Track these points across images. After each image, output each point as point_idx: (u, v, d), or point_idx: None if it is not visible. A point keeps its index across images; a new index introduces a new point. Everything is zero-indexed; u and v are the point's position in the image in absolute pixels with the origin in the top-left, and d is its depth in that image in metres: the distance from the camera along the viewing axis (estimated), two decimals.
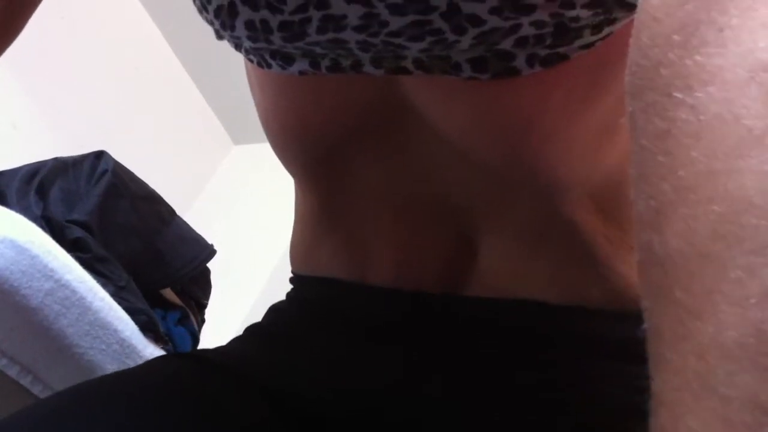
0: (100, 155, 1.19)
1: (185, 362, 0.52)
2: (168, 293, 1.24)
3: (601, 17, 0.37)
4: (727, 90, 0.19)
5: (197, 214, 2.29)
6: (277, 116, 0.48)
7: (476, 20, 0.36)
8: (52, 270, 0.89)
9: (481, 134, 0.42)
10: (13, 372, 0.92)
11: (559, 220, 0.45)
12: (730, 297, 0.18)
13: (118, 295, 1.02)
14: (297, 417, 0.49)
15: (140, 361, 0.98)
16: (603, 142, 0.43)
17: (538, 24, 0.36)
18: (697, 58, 0.20)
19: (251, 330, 0.57)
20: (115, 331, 0.96)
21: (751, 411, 0.17)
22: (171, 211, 1.27)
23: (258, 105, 0.50)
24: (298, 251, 0.56)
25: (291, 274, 0.57)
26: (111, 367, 0.95)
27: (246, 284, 2.08)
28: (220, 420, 0.46)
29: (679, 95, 0.20)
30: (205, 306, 1.35)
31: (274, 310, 0.57)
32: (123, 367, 0.97)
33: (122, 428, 0.44)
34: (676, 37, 0.21)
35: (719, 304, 0.18)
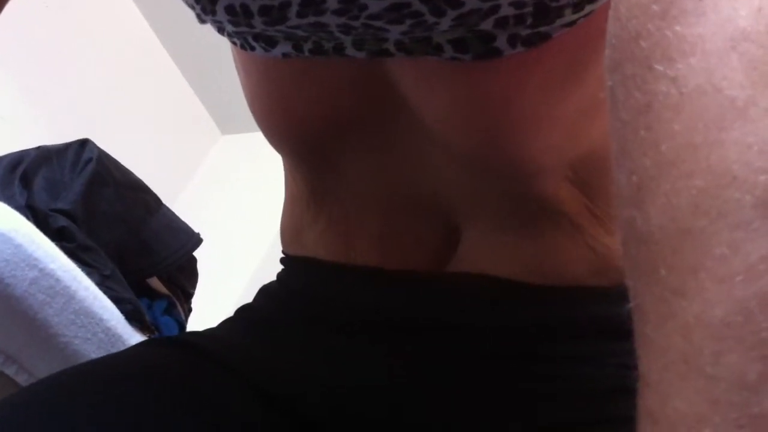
0: (84, 143, 1.18)
1: (170, 349, 0.51)
2: (154, 282, 1.24)
3: None
4: (707, 60, 0.19)
5: (184, 203, 2.28)
6: (263, 99, 0.47)
7: (455, 2, 0.36)
8: (36, 259, 0.89)
9: (462, 115, 0.42)
10: None
11: (543, 200, 0.45)
12: (714, 274, 0.18)
13: (103, 284, 1.02)
14: (283, 409, 0.48)
15: None
16: (586, 121, 0.43)
17: (517, 4, 0.36)
18: (677, 28, 0.20)
19: (241, 313, 0.56)
20: (101, 320, 0.96)
21: (738, 391, 0.17)
22: (157, 200, 1.26)
23: (244, 88, 0.49)
24: (288, 232, 0.56)
25: (282, 255, 0.57)
26: (96, 356, 0.95)
27: (233, 273, 2.08)
28: (203, 409, 0.46)
29: (659, 67, 0.20)
30: (191, 295, 1.35)
31: (264, 292, 0.57)
32: None
33: (103, 416, 0.43)
34: (654, 8, 0.20)
35: (704, 282, 0.18)
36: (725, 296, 0.18)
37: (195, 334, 0.54)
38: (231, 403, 0.47)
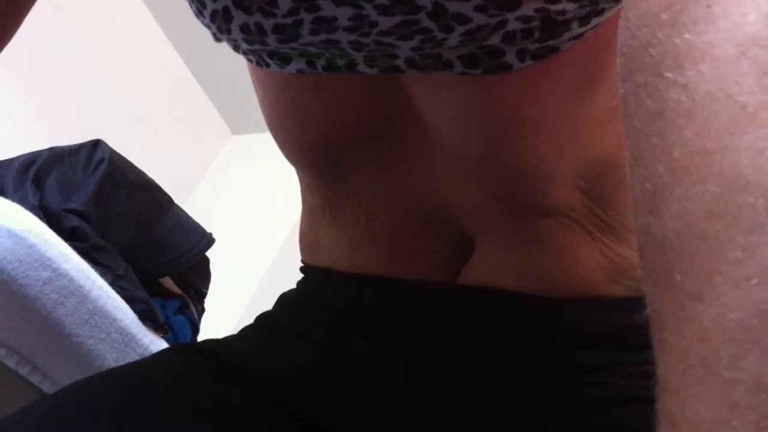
0: (96, 144, 1.19)
1: (191, 356, 0.51)
2: (167, 282, 1.24)
3: (588, 9, 0.37)
4: (717, 67, 0.19)
5: (196, 204, 2.29)
6: (279, 114, 0.48)
7: (462, 18, 0.36)
8: (49, 259, 0.89)
9: (472, 127, 0.42)
10: (12, 362, 0.92)
11: (554, 210, 0.45)
12: (730, 278, 0.18)
13: (116, 284, 1.02)
14: (302, 417, 0.49)
15: (140, 350, 0.98)
16: (596, 130, 0.43)
17: (524, 19, 0.36)
18: (686, 36, 0.20)
19: (261, 320, 0.57)
20: (114, 319, 0.96)
21: (757, 394, 0.17)
22: (169, 200, 1.27)
23: (260, 103, 0.51)
24: (305, 240, 0.57)
25: (300, 263, 0.58)
26: (110, 356, 0.95)
27: (245, 273, 2.08)
28: (222, 417, 0.46)
29: (670, 75, 0.20)
30: (204, 295, 1.35)
31: (284, 300, 0.57)
32: (122, 355, 0.96)
33: (125, 424, 0.43)
34: (664, 16, 0.21)
35: (720, 286, 0.18)
36: (741, 300, 0.18)
37: (215, 341, 0.54)
38: (250, 410, 0.47)
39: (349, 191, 0.49)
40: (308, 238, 0.56)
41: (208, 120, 2.61)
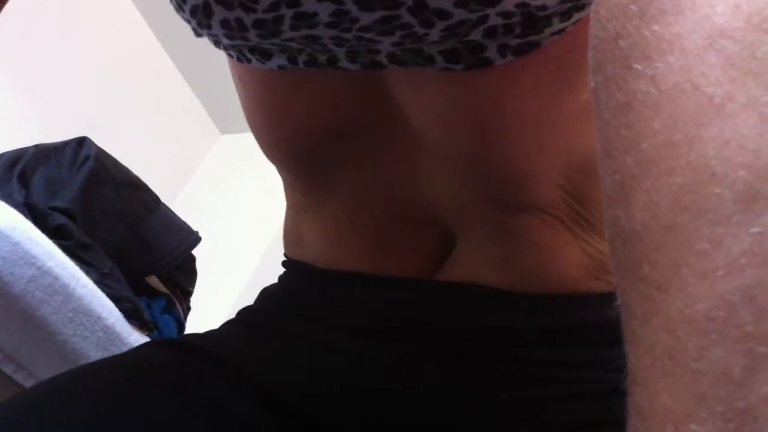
0: (81, 141, 1.18)
1: (172, 351, 0.51)
2: (153, 281, 1.24)
3: (569, 4, 0.37)
4: (685, 58, 0.19)
5: (183, 203, 2.28)
6: (260, 110, 0.48)
7: (443, 13, 0.36)
8: (34, 257, 0.89)
9: (454, 122, 0.42)
10: None
11: (536, 207, 0.45)
12: (696, 270, 0.18)
13: (101, 282, 1.01)
14: (284, 410, 0.49)
15: (125, 348, 0.98)
16: (578, 126, 0.43)
17: (505, 14, 0.36)
18: (655, 27, 0.20)
19: (243, 315, 0.57)
20: (99, 318, 0.95)
21: (724, 385, 0.17)
22: (156, 198, 1.26)
23: (241, 99, 0.50)
24: (288, 236, 0.57)
25: (283, 257, 0.58)
26: (95, 354, 0.95)
27: (232, 272, 2.08)
28: (203, 411, 0.46)
29: (638, 66, 0.20)
30: (190, 294, 1.34)
31: (266, 295, 0.57)
32: (107, 354, 0.96)
33: (105, 419, 0.43)
34: (633, 8, 0.21)
35: (686, 278, 0.18)
36: (708, 291, 0.18)
37: (196, 336, 0.54)
38: (232, 404, 0.47)
39: (330, 188, 0.49)
40: (291, 234, 0.56)
41: (196, 119, 2.60)
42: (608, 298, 0.46)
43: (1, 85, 2.02)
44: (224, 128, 2.65)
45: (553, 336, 0.47)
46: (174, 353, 0.51)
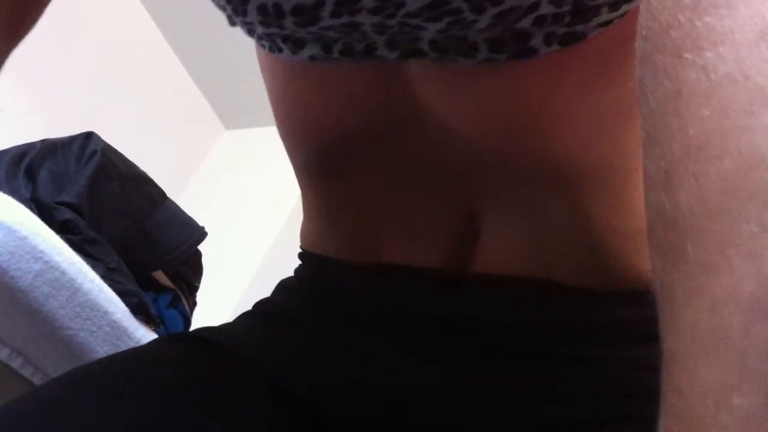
0: (89, 136, 1.18)
1: (187, 345, 0.51)
2: (159, 276, 1.24)
3: None
4: (737, 50, 0.19)
5: (188, 198, 2.28)
6: (285, 103, 0.48)
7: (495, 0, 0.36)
8: (41, 251, 0.89)
9: (493, 120, 0.41)
10: (3, 355, 0.91)
11: (566, 205, 0.44)
12: (743, 251, 0.18)
13: (108, 277, 1.01)
14: (298, 404, 0.48)
15: (131, 343, 0.98)
16: (617, 127, 0.43)
17: (557, 2, 0.36)
18: (707, 19, 0.20)
19: (259, 307, 0.56)
20: (106, 313, 0.96)
21: (767, 359, 0.17)
22: (162, 193, 1.26)
23: (268, 91, 0.50)
24: (307, 231, 0.56)
25: (296, 254, 0.57)
26: (102, 349, 0.95)
27: (238, 268, 2.08)
28: (218, 405, 0.46)
29: (689, 56, 0.20)
30: (196, 289, 1.35)
31: (282, 287, 0.57)
32: (114, 348, 0.96)
33: (119, 414, 0.43)
34: (686, 0, 0.21)
35: (732, 258, 0.18)
36: (754, 271, 0.18)
37: (211, 329, 0.54)
38: (247, 398, 0.47)
39: (350, 184, 0.49)
40: (310, 228, 0.55)
41: (201, 114, 2.60)
42: (629, 299, 0.46)
43: (7, 80, 2.02)
44: (229, 123, 2.65)
45: (574, 329, 0.47)
46: (189, 348, 0.50)
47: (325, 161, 0.49)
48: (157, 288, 1.22)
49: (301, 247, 0.57)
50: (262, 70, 0.50)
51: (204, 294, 1.38)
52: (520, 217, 0.46)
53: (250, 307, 0.58)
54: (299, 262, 0.57)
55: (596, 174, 0.44)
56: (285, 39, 0.42)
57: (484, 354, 0.47)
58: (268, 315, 0.55)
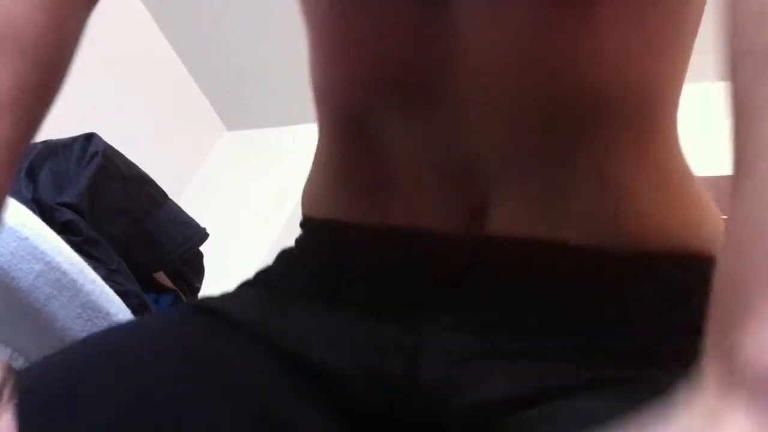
0: (90, 137, 1.18)
1: (192, 316, 0.51)
2: (161, 277, 1.24)
3: None
4: None
5: (189, 199, 2.28)
6: (319, 52, 0.49)
7: None
8: (42, 252, 0.89)
9: (528, 49, 0.42)
10: (4, 355, 0.91)
11: (594, 152, 0.44)
12: None
13: (109, 278, 1.01)
14: (300, 370, 0.48)
15: None
16: (648, 62, 0.43)
17: None
18: None
19: (260, 275, 0.56)
20: (107, 313, 0.95)
21: None
22: (163, 194, 1.26)
23: (307, 26, 0.51)
24: (312, 194, 0.56)
25: (299, 230, 0.57)
26: None
27: (238, 268, 2.07)
28: (219, 370, 0.46)
29: None
30: (198, 290, 1.34)
31: (283, 256, 0.56)
32: None
33: (123, 386, 0.43)
34: None
35: None
36: None
37: (213, 298, 0.53)
38: (247, 364, 0.47)
39: (369, 140, 0.48)
40: (318, 191, 0.55)
41: (202, 115, 2.60)
42: (653, 259, 0.45)
43: None
44: (230, 124, 2.65)
45: (593, 289, 0.45)
46: (193, 318, 0.50)
47: (355, 106, 0.48)
48: (159, 289, 1.22)
49: (303, 215, 0.56)
50: (307, 30, 0.51)
51: (205, 294, 1.38)
52: (534, 178, 0.45)
53: None
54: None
55: (626, 113, 0.43)
56: None
57: (494, 317, 0.46)
58: (268, 282, 0.55)
